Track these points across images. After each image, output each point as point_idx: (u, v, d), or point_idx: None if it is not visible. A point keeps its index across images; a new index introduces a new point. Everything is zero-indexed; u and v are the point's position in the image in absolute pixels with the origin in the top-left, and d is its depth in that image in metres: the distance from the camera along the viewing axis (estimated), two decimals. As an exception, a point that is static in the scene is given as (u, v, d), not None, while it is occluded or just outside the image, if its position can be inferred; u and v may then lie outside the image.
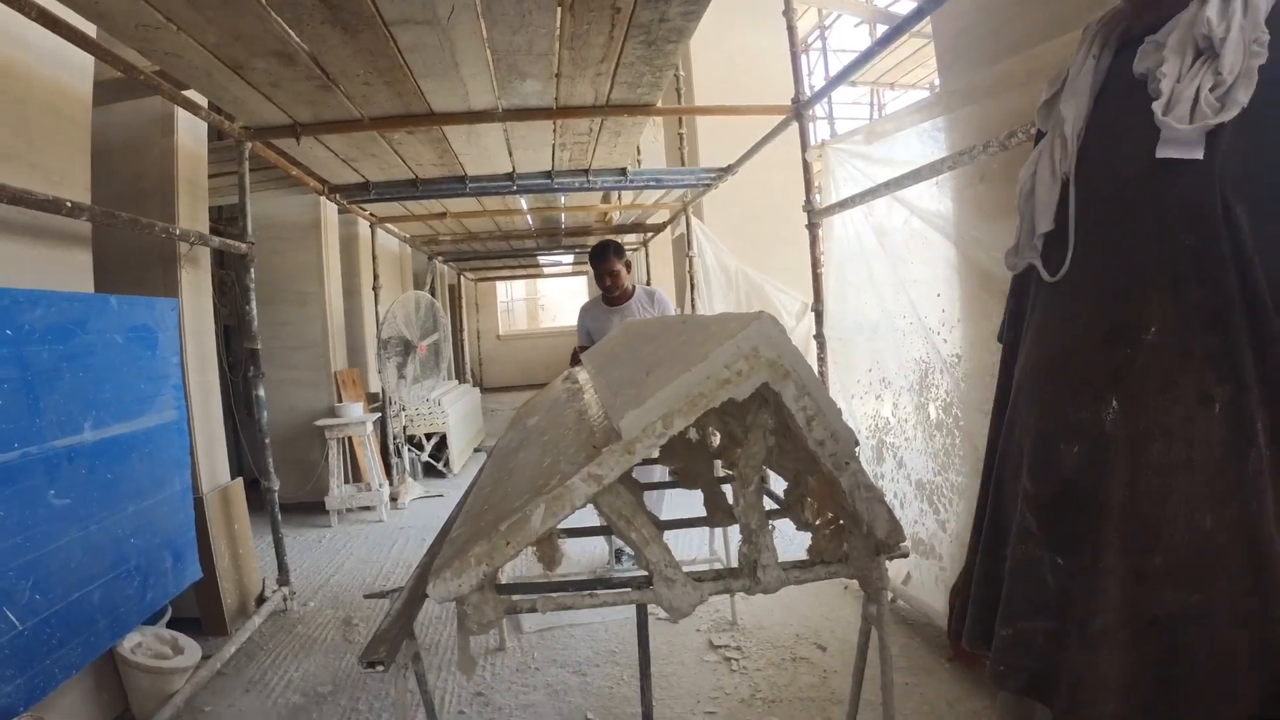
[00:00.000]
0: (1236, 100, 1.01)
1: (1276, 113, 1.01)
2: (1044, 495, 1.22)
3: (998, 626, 1.28)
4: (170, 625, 3.83)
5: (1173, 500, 1.05)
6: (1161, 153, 1.07)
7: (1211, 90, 1.03)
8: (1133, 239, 1.13)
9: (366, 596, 4.19)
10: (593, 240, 10.53)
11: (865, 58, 3.83)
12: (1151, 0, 1.19)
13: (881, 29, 9.26)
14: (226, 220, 6.78)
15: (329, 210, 7.26)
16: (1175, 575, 1.04)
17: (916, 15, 3.18)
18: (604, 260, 4.93)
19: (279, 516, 4.65)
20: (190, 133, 4.46)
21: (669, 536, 1.92)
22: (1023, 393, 1.32)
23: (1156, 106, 1.07)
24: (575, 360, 4.66)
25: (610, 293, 5.03)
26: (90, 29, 3.13)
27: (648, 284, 9.65)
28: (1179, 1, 1.11)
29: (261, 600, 4.55)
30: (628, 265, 5.05)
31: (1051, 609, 1.18)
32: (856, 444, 1.70)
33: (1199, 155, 1.04)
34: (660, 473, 3.94)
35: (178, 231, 3.85)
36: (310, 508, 6.94)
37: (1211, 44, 1.04)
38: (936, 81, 3.90)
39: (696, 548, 5.02)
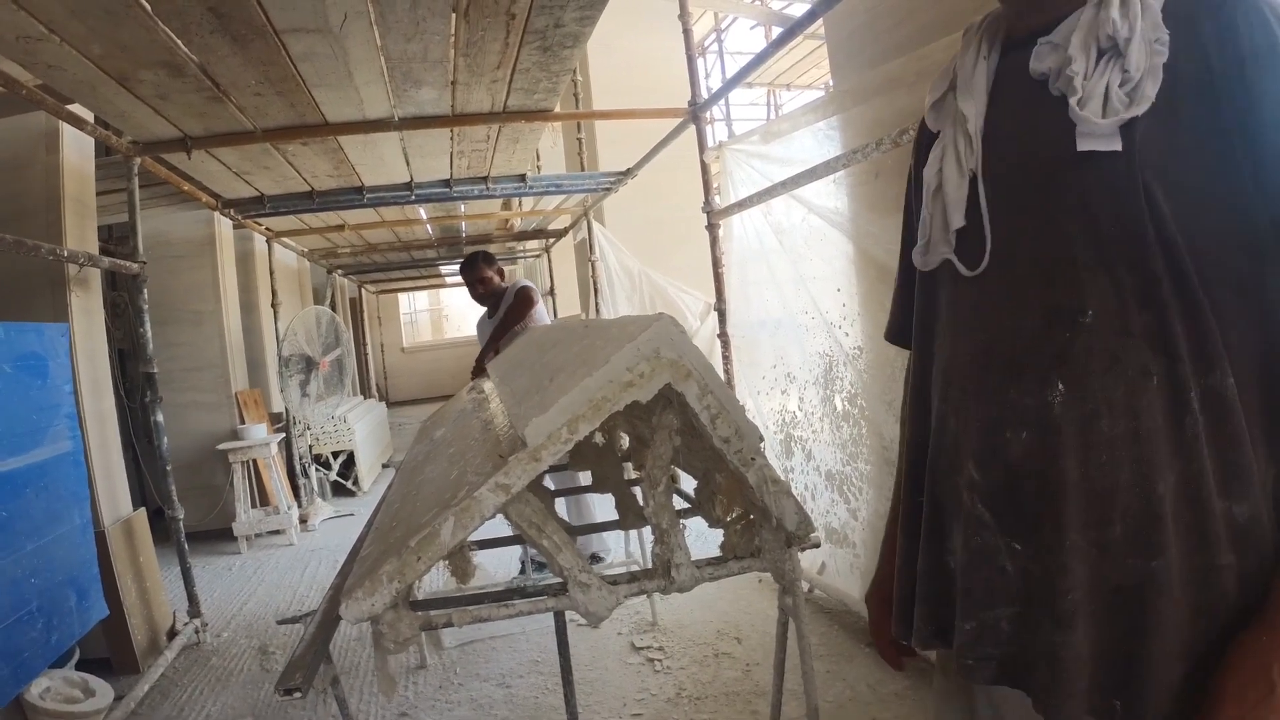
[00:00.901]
0: (1145, 95, 1.07)
1: (1181, 103, 1.08)
2: (994, 483, 1.23)
3: (959, 621, 1.26)
4: (79, 666, 3.70)
5: (1124, 471, 1.09)
6: (1082, 146, 1.12)
7: (1121, 86, 1.09)
8: (1056, 227, 1.17)
9: (280, 622, 4.12)
10: (495, 248, 10.48)
11: (760, 59, 3.90)
12: (1033, 6, 1.24)
13: (777, 31, 9.41)
14: (117, 239, 6.54)
15: (223, 226, 7.07)
16: (1135, 543, 1.08)
17: (809, 17, 3.25)
18: (472, 270, 5.09)
19: (186, 546, 4.50)
20: (76, 149, 4.29)
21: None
22: (953, 387, 1.31)
23: (1073, 102, 1.12)
24: (478, 371, 4.68)
25: (484, 300, 5.15)
26: (-37, 43, 3.01)
27: (550, 291, 9.67)
28: (1061, 6, 1.18)
29: (173, 634, 4.40)
30: (500, 272, 5.18)
31: (1014, 594, 1.20)
32: (761, 439, 1.73)
33: (1117, 147, 1.09)
34: (587, 478, 3.97)
35: (65, 253, 3.71)
36: (218, 535, 6.74)
37: (1116, 44, 1.10)
38: (830, 82, 3.99)
39: (612, 551, 5.03)
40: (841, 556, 3.77)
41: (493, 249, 10.36)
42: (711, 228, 4.44)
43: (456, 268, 13.05)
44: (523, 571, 4.68)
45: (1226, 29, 1.07)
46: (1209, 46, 1.07)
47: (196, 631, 4.49)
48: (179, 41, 3.05)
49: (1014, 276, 1.22)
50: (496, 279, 5.11)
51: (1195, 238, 1.08)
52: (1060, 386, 1.15)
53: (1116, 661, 1.11)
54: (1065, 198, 1.16)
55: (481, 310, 5.28)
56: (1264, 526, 1.07)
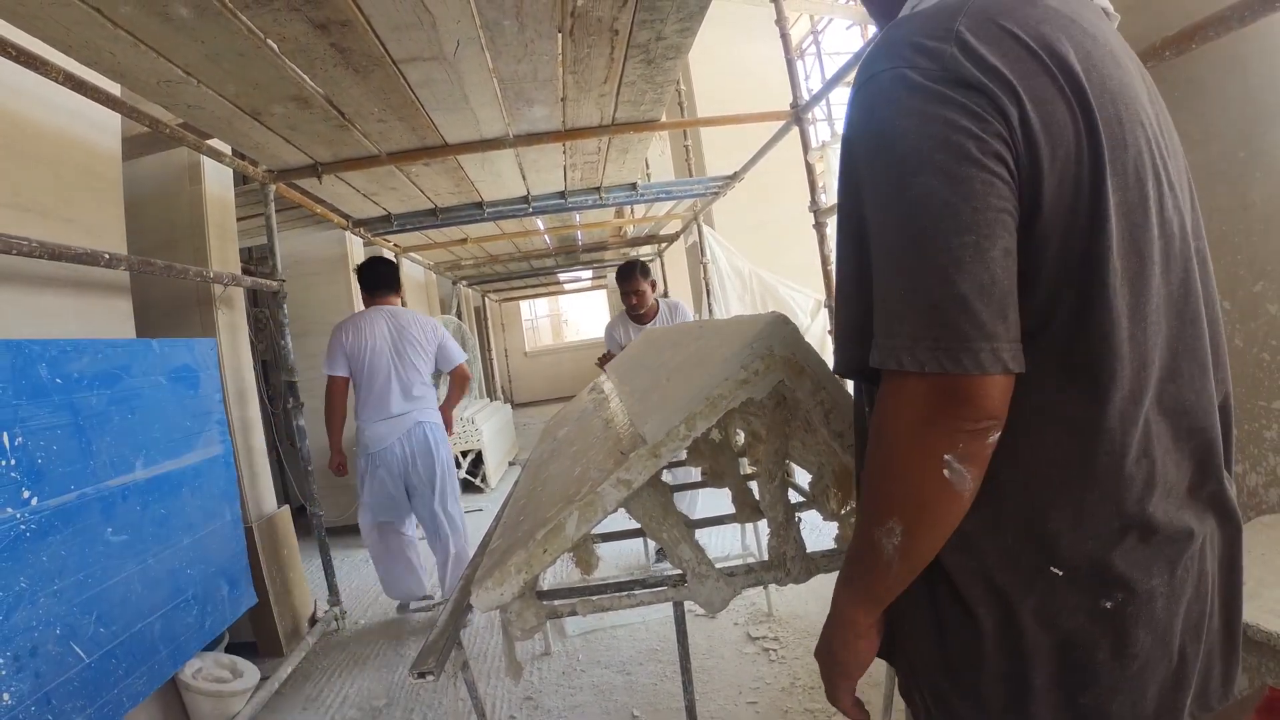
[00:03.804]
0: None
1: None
2: None
3: None
4: (228, 650, 3.96)
5: None
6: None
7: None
8: None
9: (414, 611, 4.27)
10: (610, 255, 10.61)
11: (858, 58, 3.90)
12: None
13: (872, 30, 9.32)
14: (257, 260, 6.94)
15: (354, 243, 7.36)
16: None
17: (905, 16, 3.24)
18: (629, 280, 5.15)
19: (326, 540, 4.78)
20: (217, 179, 4.59)
21: (704, 535, 1.99)
22: None
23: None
24: (604, 362, 4.80)
25: (635, 310, 5.21)
26: (114, 88, 3.24)
27: (665, 294, 9.76)
28: None
29: (314, 621, 4.68)
30: (652, 285, 5.25)
31: None
32: (873, 433, 1.76)
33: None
34: (697, 473, 4.04)
35: (211, 275, 3.98)
36: (356, 530, 6.97)
37: None
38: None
39: (729, 544, 5.10)
40: (957, 550, 3.74)
41: (607, 256, 10.51)
42: (818, 226, 4.46)
43: (574, 275, 13.24)
44: (657, 559, 4.79)
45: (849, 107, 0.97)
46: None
47: (336, 619, 4.75)
48: (305, 76, 3.25)
49: None
50: (649, 291, 5.21)
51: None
52: None
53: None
54: None
55: (609, 315, 5.34)
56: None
